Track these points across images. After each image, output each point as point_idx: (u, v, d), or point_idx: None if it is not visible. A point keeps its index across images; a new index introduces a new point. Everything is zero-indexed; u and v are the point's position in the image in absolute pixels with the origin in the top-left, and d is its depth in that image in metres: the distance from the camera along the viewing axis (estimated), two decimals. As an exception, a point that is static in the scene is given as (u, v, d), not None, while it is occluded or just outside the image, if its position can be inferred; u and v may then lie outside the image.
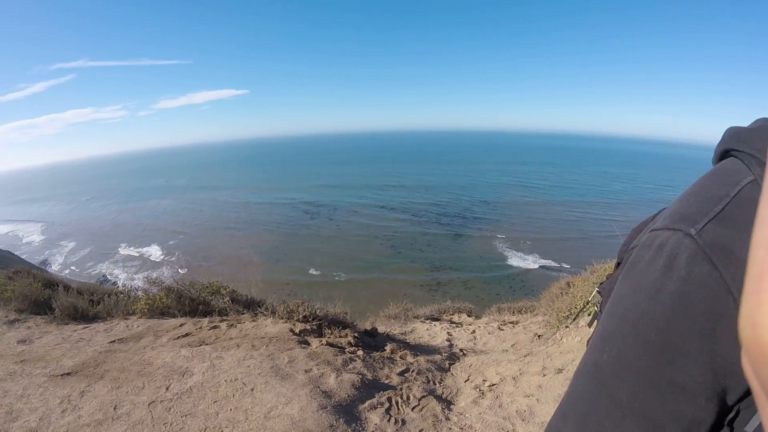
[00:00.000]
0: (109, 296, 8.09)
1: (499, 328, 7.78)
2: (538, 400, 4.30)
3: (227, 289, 7.55)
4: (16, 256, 44.71)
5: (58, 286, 9.23)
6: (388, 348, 5.72)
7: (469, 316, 9.80)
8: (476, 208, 60.12)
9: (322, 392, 4.07)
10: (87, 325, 7.02)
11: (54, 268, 43.42)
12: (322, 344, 5.35)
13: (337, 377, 4.39)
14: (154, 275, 9.24)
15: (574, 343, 5.48)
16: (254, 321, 6.34)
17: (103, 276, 38.79)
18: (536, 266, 36.72)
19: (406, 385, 4.57)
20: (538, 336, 6.47)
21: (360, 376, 4.45)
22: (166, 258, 44.57)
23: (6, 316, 7.63)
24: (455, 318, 9.49)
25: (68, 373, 5.02)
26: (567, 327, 6.01)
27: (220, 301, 7.19)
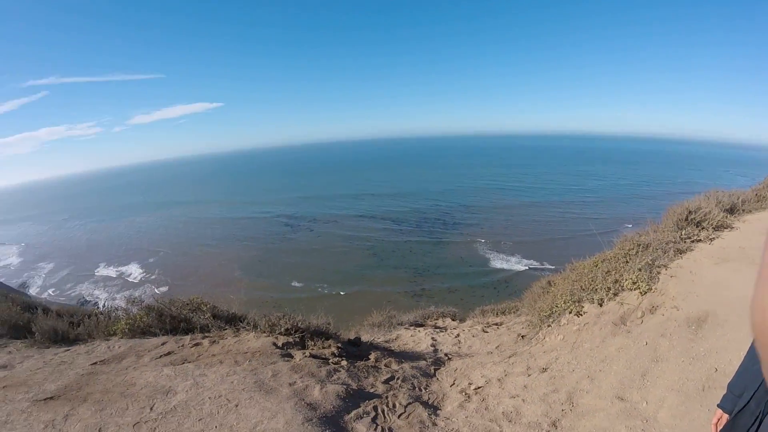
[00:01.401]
0: (89, 317, 8.08)
1: (483, 331, 7.88)
2: (524, 400, 4.40)
3: (208, 305, 7.56)
4: (-8, 280, 43.97)
5: (37, 309, 9.20)
6: (372, 356, 5.80)
7: (453, 320, 9.92)
8: (456, 213, 60.57)
9: (307, 404, 4.13)
10: (68, 348, 7.02)
11: (33, 290, 42.80)
12: (306, 356, 5.41)
13: (321, 389, 4.45)
14: (135, 294, 9.22)
15: (556, 341, 5.61)
16: (236, 336, 6.38)
17: (83, 297, 38.31)
18: (519, 267, 37.16)
19: (391, 393, 4.64)
20: (522, 336, 6.58)
21: (345, 387, 4.52)
22: (145, 276, 44.19)
23: (-15, 342, 7.58)
24: (440, 323, 9.60)
25: (51, 398, 5.04)
26: (549, 326, 6.13)
27: (202, 317, 7.20)
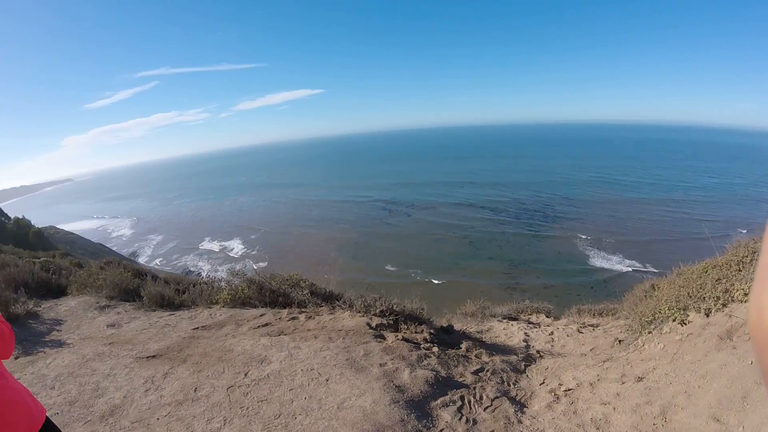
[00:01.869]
0: (193, 286, 8.47)
1: (578, 331, 7.50)
2: (614, 408, 4.10)
3: (306, 282, 7.70)
4: (107, 248, 47.86)
5: (146, 275, 9.80)
6: (463, 346, 5.64)
7: (547, 316, 9.52)
8: (557, 205, 58.02)
9: (396, 387, 4.07)
10: (172, 313, 7.40)
11: (142, 259, 46.07)
12: (398, 339, 5.34)
13: (411, 373, 4.37)
14: (236, 267, 9.69)
15: (656, 350, 5.19)
16: (332, 314, 6.43)
17: (188, 267, 40.69)
18: (620, 267, 35.23)
19: (479, 384, 4.49)
20: (619, 341, 6.17)
21: (434, 373, 4.42)
22: (246, 252, 46.27)
23: (97, 302, 8.17)
24: (533, 318, 9.25)
25: (153, 356, 5.33)
26: (650, 333, 5.70)
27: (300, 293, 7.33)
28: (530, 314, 9.72)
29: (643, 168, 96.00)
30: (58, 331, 6.91)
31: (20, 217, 44.29)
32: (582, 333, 7.28)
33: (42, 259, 14.05)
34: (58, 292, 9.25)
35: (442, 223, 50.05)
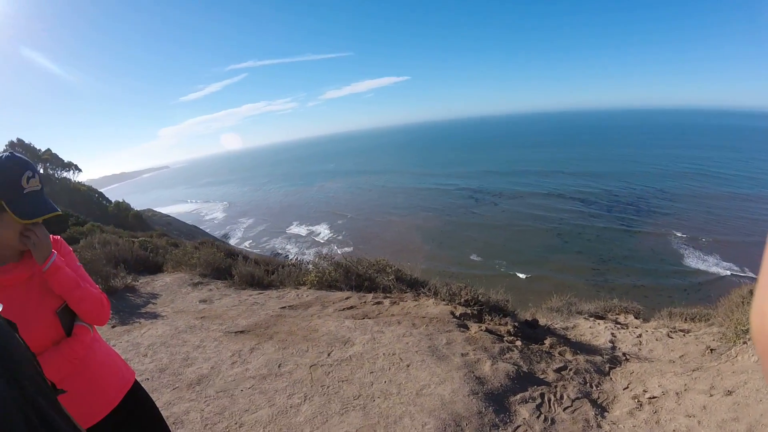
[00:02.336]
0: (282, 268, 8.79)
1: (668, 335, 7.07)
2: (699, 422, 3.82)
3: (392, 268, 7.74)
4: (201, 229, 50.39)
5: (238, 256, 10.28)
6: (547, 342, 5.47)
7: (636, 317, 9.05)
8: (651, 199, 54.17)
9: (476, 378, 4.01)
10: (261, 292, 7.70)
11: (233, 241, 48.03)
12: (481, 330, 5.25)
13: (492, 365, 4.28)
14: (324, 251, 10.01)
15: (749, 363, 4.79)
16: (416, 300, 6.43)
17: (276, 250, 42.06)
18: (717, 270, 32.58)
19: (561, 383, 4.33)
20: (711, 350, 5.75)
21: (515, 367, 4.31)
22: (332, 237, 47.21)
23: (191, 279, 8.66)
24: (621, 318, 8.83)
25: (241, 331, 5.57)
26: (744, 343, 5.28)
27: (385, 278, 7.38)
28: (618, 314, 9.29)
29: (741, 159, 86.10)
30: (153, 304, 7.39)
31: (120, 200, 47.37)
32: (672, 338, 6.87)
33: (140, 238, 14.99)
34: (155, 269, 9.88)
35: (529, 213, 48.51)
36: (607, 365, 5.10)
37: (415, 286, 7.26)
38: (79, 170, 68.43)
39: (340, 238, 46.19)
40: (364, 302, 6.41)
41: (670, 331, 7.18)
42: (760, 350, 0.42)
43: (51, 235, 1.83)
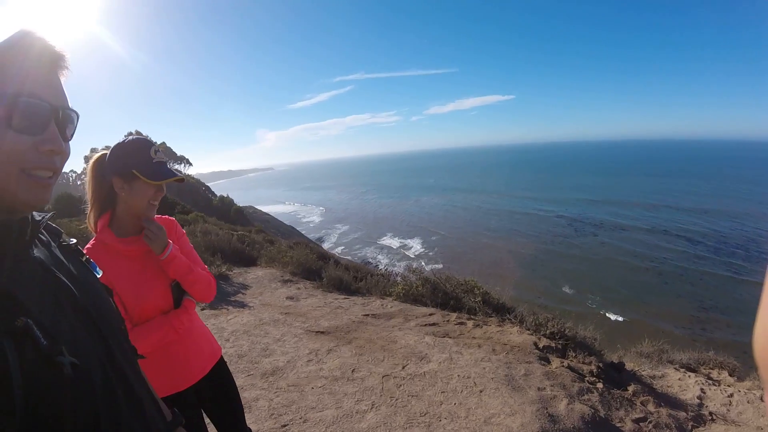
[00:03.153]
0: (370, 276, 8.96)
1: (761, 398, 6.50)
2: None
3: (481, 290, 7.64)
4: (297, 230, 52.03)
5: (329, 259, 10.58)
6: (630, 388, 5.17)
7: (731, 375, 8.34)
8: (765, 242, 49.23)
9: (549, 415, 3.86)
10: (347, 297, 7.85)
11: (327, 245, 49.13)
12: (563, 366, 5.06)
13: (568, 404, 4.11)
14: (414, 265, 10.12)
15: None
16: (500, 326, 6.30)
17: (367, 258, 42.61)
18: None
19: None
20: None
21: (592, 411, 4.10)
22: (423, 252, 47.20)
23: (282, 276, 9.00)
24: (714, 374, 8.18)
25: (322, 332, 5.71)
26: None
27: (472, 300, 7.30)
28: (712, 368, 8.62)
29: None
30: (243, 294, 7.74)
31: (225, 195, 49.82)
32: (765, 402, 6.32)
33: (239, 232, 15.69)
34: (249, 261, 10.36)
35: (630, 249, 45.67)
36: (691, 423, 4.79)
37: (501, 311, 7.12)
38: (190, 164, 73.02)
39: (431, 254, 46.10)
40: (447, 321, 6.36)
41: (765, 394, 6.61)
42: (764, 371, 0.43)
43: (166, 217, 2.08)
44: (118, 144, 1.84)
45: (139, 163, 1.81)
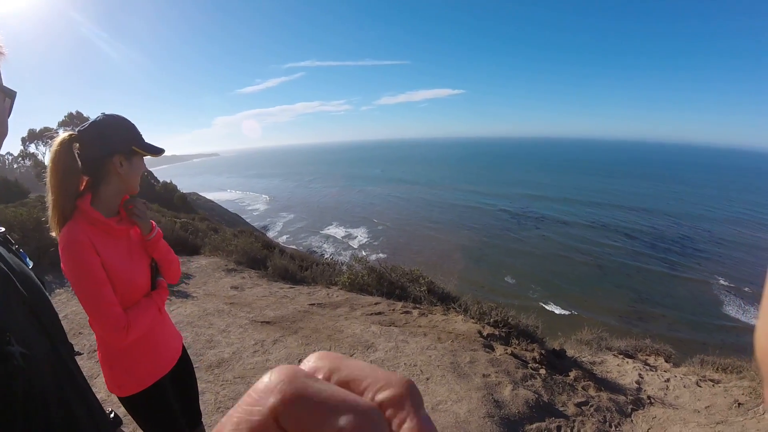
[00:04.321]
0: (316, 265, 8.92)
1: (696, 384, 6.83)
2: None
3: (426, 279, 7.72)
4: (242, 218, 51.26)
5: (274, 248, 10.44)
6: (572, 374, 5.35)
7: (666, 361, 8.77)
8: (699, 242, 51.19)
9: (494, 401, 3.96)
10: (292, 286, 7.80)
11: (271, 234, 48.54)
12: (507, 353, 5.18)
13: (512, 390, 4.22)
14: (359, 254, 10.16)
15: None
16: (445, 315, 6.39)
17: (312, 248, 42.38)
18: (756, 320, 31.06)
19: (580, 418, 4.24)
20: (739, 404, 5.55)
21: (536, 396, 4.23)
22: (368, 242, 47.30)
23: (226, 265, 8.85)
24: (651, 360, 8.57)
25: (268, 322, 5.65)
26: None
27: (417, 289, 7.37)
28: (649, 355, 9.03)
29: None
30: (186, 284, 7.56)
31: (168, 181, 48.49)
32: (700, 387, 6.65)
33: (183, 220, 15.35)
34: (193, 250, 10.12)
35: (571, 244, 47.03)
36: (630, 406, 4.98)
37: (445, 300, 7.22)
38: (131, 147, 70.52)
39: (376, 243, 46.24)
40: (393, 310, 6.40)
41: (700, 380, 6.96)
42: (765, 369, 0.42)
43: None
44: (105, 122, 1.77)
45: (135, 138, 1.82)
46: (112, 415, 1.21)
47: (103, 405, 1.20)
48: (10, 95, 0.86)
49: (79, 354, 1.13)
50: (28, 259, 1.07)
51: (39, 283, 1.01)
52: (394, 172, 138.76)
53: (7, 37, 0.82)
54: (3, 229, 1.05)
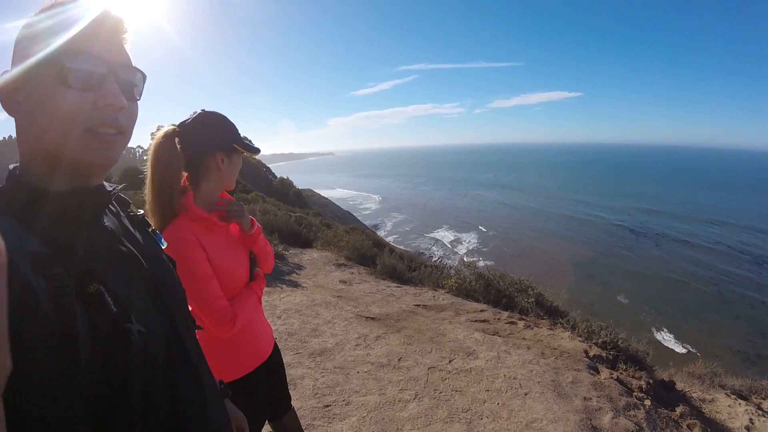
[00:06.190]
0: (424, 267, 8.96)
1: None
2: None
3: (534, 290, 7.53)
4: (354, 216, 52.58)
5: (384, 247, 10.64)
6: (678, 409, 4.98)
7: (783, 406, 7.95)
8: None
9: (592, 426, 3.77)
10: (399, 286, 7.89)
11: (382, 233, 49.27)
12: (612, 377, 4.93)
13: (613, 418, 3.99)
14: (467, 260, 10.13)
15: None
16: (551, 330, 6.19)
17: (421, 249, 42.53)
18: None
19: None
20: None
21: (636, 428, 3.97)
22: (477, 247, 46.80)
23: (336, 260, 9.14)
24: (765, 405, 7.81)
25: (372, 318, 5.77)
26: None
27: (524, 300, 7.20)
28: (763, 399, 8.23)
29: None
30: (297, 274, 7.89)
31: (285, 177, 50.66)
32: None
33: (297, 214, 15.97)
34: (305, 243, 10.56)
35: (690, 269, 43.01)
36: (735, 454, 4.62)
37: (553, 314, 7.00)
38: (252, 144, 75.16)
39: (485, 250, 45.63)
40: (498, 319, 6.30)
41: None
42: None
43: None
44: (207, 118, 1.82)
45: (235, 136, 1.85)
46: (221, 387, 1.26)
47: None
48: (133, 77, 0.91)
49: (200, 328, 1.21)
50: (163, 240, 1.16)
51: (168, 262, 1.08)
52: (507, 178, 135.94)
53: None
54: (142, 212, 1.13)
